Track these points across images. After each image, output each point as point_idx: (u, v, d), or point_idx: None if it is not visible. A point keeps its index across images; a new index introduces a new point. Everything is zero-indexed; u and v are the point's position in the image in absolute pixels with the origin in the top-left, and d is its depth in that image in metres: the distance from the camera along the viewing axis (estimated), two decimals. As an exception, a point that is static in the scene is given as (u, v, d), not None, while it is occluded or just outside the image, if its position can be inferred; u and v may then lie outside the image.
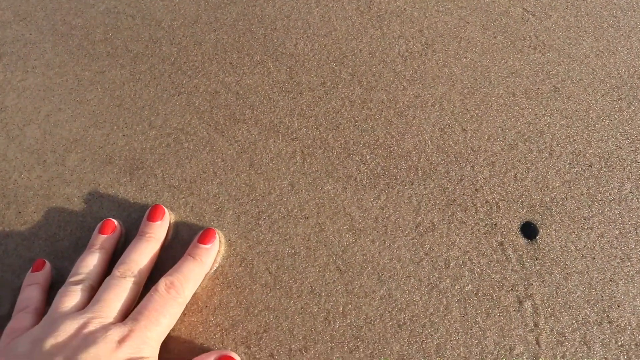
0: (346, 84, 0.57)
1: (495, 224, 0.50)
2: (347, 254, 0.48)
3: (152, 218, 0.47)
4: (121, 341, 0.37)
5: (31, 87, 0.58)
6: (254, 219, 0.49)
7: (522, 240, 0.49)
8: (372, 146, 0.53)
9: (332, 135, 0.54)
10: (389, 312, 0.46)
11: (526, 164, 0.53)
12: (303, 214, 0.50)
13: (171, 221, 0.49)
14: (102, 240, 0.46)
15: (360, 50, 0.60)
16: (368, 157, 0.53)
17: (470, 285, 0.47)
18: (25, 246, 0.49)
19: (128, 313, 0.41)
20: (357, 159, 0.53)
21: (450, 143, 0.54)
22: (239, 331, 0.45)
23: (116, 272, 0.43)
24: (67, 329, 0.38)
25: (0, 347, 0.40)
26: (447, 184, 0.51)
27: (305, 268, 0.47)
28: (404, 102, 0.56)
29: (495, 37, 0.61)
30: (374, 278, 0.47)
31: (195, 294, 0.46)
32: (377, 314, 0.45)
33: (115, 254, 0.47)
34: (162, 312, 0.40)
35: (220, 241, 0.47)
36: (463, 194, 0.51)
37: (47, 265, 0.46)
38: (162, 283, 0.42)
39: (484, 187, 0.51)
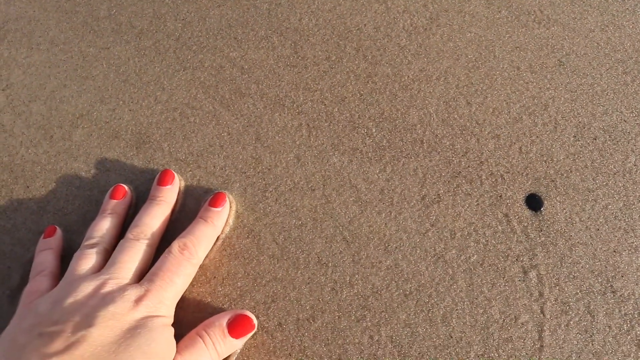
0: (351, 58, 0.57)
1: (500, 196, 0.50)
2: (354, 225, 0.48)
3: (162, 182, 0.47)
4: (138, 301, 0.38)
5: (36, 63, 0.58)
6: (261, 191, 0.50)
7: (527, 212, 0.49)
8: (377, 119, 0.54)
9: (338, 109, 0.54)
10: (396, 282, 0.46)
11: (531, 137, 0.53)
12: (309, 186, 0.50)
13: (181, 187, 0.49)
14: (113, 205, 0.47)
15: (365, 25, 0.60)
16: (373, 130, 0.53)
17: (475, 256, 0.47)
18: (34, 220, 0.50)
19: (143, 274, 0.42)
20: (363, 132, 0.53)
21: (455, 116, 0.54)
22: (247, 301, 0.45)
23: (129, 235, 0.43)
24: (85, 289, 0.38)
25: (21, 308, 0.41)
26: (453, 157, 0.52)
27: (312, 239, 0.48)
28: (408, 76, 0.56)
29: (499, 12, 0.61)
30: (380, 249, 0.47)
31: (203, 265, 0.46)
32: (383, 284, 0.46)
33: (126, 220, 0.48)
34: (177, 273, 0.41)
35: (230, 205, 0.47)
36: (468, 167, 0.51)
37: (59, 231, 0.47)
38: (176, 245, 0.43)
39: (489, 160, 0.52)
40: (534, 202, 0.50)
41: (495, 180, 0.51)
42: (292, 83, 0.56)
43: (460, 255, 0.47)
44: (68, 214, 0.50)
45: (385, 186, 0.50)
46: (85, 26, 0.61)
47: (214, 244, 0.47)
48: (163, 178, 0.48)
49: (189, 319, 0.44)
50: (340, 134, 0.53)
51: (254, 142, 0.52)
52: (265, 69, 0.56)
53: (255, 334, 0.44)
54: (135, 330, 0.37)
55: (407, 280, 0.46)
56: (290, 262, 0.47)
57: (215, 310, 0.45)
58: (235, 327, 0.41)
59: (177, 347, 0.39)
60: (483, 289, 0.46)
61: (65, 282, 0.41)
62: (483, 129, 0.53)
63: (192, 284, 0.45)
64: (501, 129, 0.53)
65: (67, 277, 0.41)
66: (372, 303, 0.45)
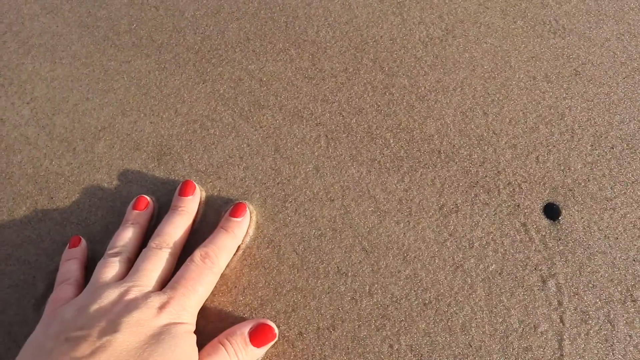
0: (368, 70, 0.58)
1: (518, 205, 0.50)
2: (373, 235, 0.49)
3: (183, 193, 0.48)
4: (161, 308, 0.39)
5: (59, 77, 0.60)
6: (281, 202, 0.50)
7: (544, 221, 0.49)
8: (395, 130, 0.54)
9: (356, 120, 0.55)
10: (415, 291, 0.46)
11: (548, 146, 0.53)
12: (328, 196, 0.51)
13: (202, 197, 0.50)
14: (135, 215, 0.48)
15: (381, 37, 0.60)
16: (391, 141, 0.54)
17: (494, 265, 0.47)
18: (58, 230, 0.51)
19: (165, 283, 0.43)
20: (381, 142, 0.53)
21: (472, 126, 0.54)
22: (267, 310, 0.46)
23: (152, 244, 0.44)
24: (110, 296, 0.39)
25: (46, 315, 0.42)
26: (470, 167, 0.52)
27: (332, 249, 0.48)
28: (425, 87, 0.57)
29: (515, 22, 0.61)
30: (399, 258, 0.48)
31: (224, 274, 0.47)
32: (402, 293, 0.46)
33: (149, 231, 0.49)
34: (199, 281, 0.42)
35: (251, 215, 0.48)
36: (486, 176, 0.52)
37: (83, 241, 0.48)
38: (198, 254, 0.43)
39: (506, 169, 0.52)
40: (551, 211, 0.50)
41: (513, 189, 0.51)
42: (311, 95, 0.56)
43: (479, 265, 0.47)
44: (91, 225, 0.51)
45: (404, 196, 0.51)
46: (106, 40, 0.62)
47: (235, 253, 0.47)
48: (184, 189, 0.49)
49: (210, 328, 0.45)
50: (359, 145, 0.53)
51: (273, 153, 0.53)
52: (284, 81, 0.57)
53: (276, 343, 0.44)
54: (159, 336, 0.37)
55: (426, 289, 0.46)
56: (310, 272, 0.47)
57: (236, 320, 0.45)
58: (257, 336, 0.42)
59: (199, 354, 0.39)
60: (502, 298, 0.46)
61: (89, 289, 0.42)
62: (500, 139, 0.53)
63: (213, 293, 0.46)
64: (518, 138, 0.53)
65: (92, 285, 0.42)
66: (392, 312, 0.46)
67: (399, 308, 0.46)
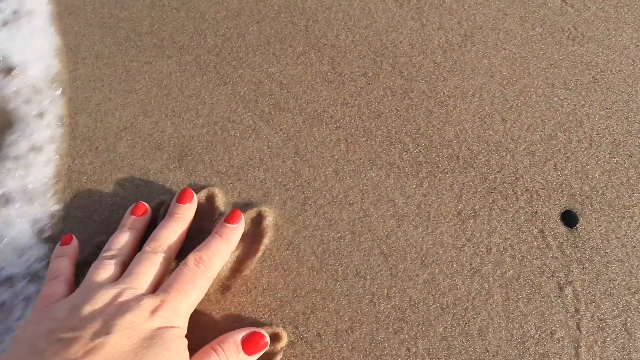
0: (387, 75, 0.58)
1: (535, 212, 0.51)
2: (391, 239, 0.49)
3: (181, 200, 0.49)
4: (154, 311, 0.39)
5: (82, 77, 0.61)
6: (300, 204, 0.51)
7: (562, 228, 0.50)
8: (413, 135, 0.55)
9: (375, 124, 0.55)
10: (432, 295, 0.47)
11: (566, 153, 0.53)
12: (348, 200, 0.51)
13: (217, 203, 0.50)
14: (132, 220, 0.49)
15: (401, 42, 0.61)
16: (410, 146, 0.54)
17: (511, 271, 0.48)
18: (80, 228, 0.52)
19: (158, 286, 0.43)
20: (400, 147, 0.54)
21: (491, 132, 0.55)
22: (287, 312, 0.46)
23: (147, 247, 0.45)
24: (103, 297, 0.40)
25: (36, 312, 0.42)
26: (488, 172, 0.52)
27: (351, 252, 0.49)
28: (444, 93, 0.57)
29: (533, 29, 0.61)
30: (417, 262, 0.48)
31: (244, 275, 0.47)
32: (420, 297, 0.47)
33: (145, 237, 0.49)
34: (192, 285, 0.42)
35: (265, 217, 0.49)
36: (504, 182, 0.52)
37: (75, 240, 0.49)
38: (192, 258, 0.44)
39: (524, 176, 0.52)
40: (569, 219, 0.50)
41: (531, 196, 0.51)
42: (330, 98, 0.57)
43: (496, 270, 0.48)
44: (112, 223, 0.52)
45: (422, 201, 0.51)
46: (128, 41, 0.63)
47: (255, 255, 0.48)
48: (182, 196, 0.49)
49: (229, 328, 0.46)
50: (378, 149, 0.54)
51: (293, 155, 0.54)
52: (304, 84, 0.58)
53: (294, 344, 0.45)
54: (152, 340, 0.38)
55: (444, 293, 0.47)
56: (329, 274, 0.48)
57: (255, 321, 0.46)
58: (249, 344, 0.42)
59: (191, 359, 0.40)
60: (519, 303, 0.46)
61: (82, 289, 0.42)
62: (518, 146, 0.54)
63: (233, 294, 0.47)
64: (536, 145, 0.54)
65: (85, 285, 0.42)
66: (410, 316, 0.46)
67: (417, 312, 0.46)
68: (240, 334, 0.43)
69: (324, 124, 0.55)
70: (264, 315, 0.46)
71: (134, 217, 0.49)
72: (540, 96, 0.57)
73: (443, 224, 0.50)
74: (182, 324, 0.41)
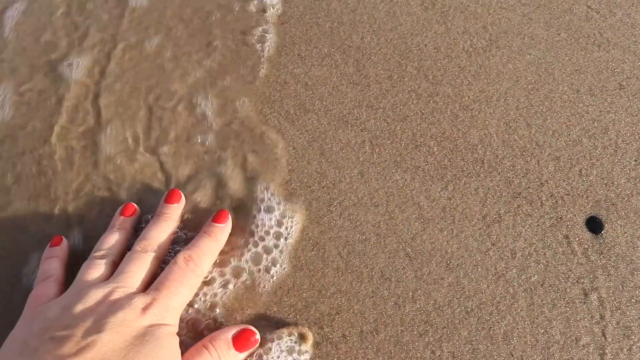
0: (412, 78, 0.59)
1: (560, 218, 0.51)
2: (416, 241, 0.49)
3: (169, 200, 0.50)
4: (145, 308, 0.40)
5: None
6: (326, 205, 0.51)
7: (587, 234, 0.50)
8: (438, 138, 0.55)
9: (400, 127, 0.55)
10: (457, 299, 0.47)
11: (591, 159, 0.53)
12: (373, 202, 0.51)
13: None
14: (122, 221, 0.49)
15: (426, 45, 0.61)
16: (435, 149, 0.54)
17: (536, 276, 0.48)
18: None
19: (149, 285, 0.43)
20: (425, 150, 0.54)
21: (515, 137, 0.55)
22: (312, 312, 0.47)
23: (137, 247, 0.45)
24: (95, 296, 0.40)
25: (27, 312, 0.42)
26: (513, 177, 0.52)
27: (376, 254, 0.49)
28: (469, 97, 0.57)
29: (558, 34, 0.61)
30: (442, 265, 0.48)
31: (270, 275, 0.48)
32: (445, 300, 0.47)
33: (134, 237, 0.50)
34: (182, 283, 0.43)
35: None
36: (528, 187, 0.52)
37: (65, 240, 0.49)
38: (181, 256, 0.44)
39: (549, 181, 0.52)
40: (594, 225, 0.50)
41: (556, 201, 0.51)
42: (355, 100, 0.57)
43: (521, 275, 0.48)
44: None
45: (447, 204, 0.51)
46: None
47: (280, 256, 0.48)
48: (170, 196, 0.50)
49: (256, 326, 0.46)
50: (403, 152, 0.54)
51: (318, 157, 0.54)
52: (329, 86, 0.58)
53: (320, 344, 0.45)
54: (144, 337, 0.38)
55: (469, 297, 0.47)
56: (355, 276, 0.48)
57: (280, 321, 0.46)
58: (240, 341, 0.43)
59: (183, 357, 0.40)
60: (544, 309, 0.47)
61: (74, 289, 0.42)
62: (543, 151, 0.54)
63: (259, 293, 0.47)
64: (561, 151, 0.54)
65: (76, 285, 0.43)
66: (434, 319, 0.46)
67: (442, 315, 0.46)
68: (231, 331, 0.43)
69: (349, 125, 0.56)
70: (289, 315, 0.46)
71: (122, 217, 0.49)
72: (565, 102, 0.57)
73: (468, 228, 0.50)
74: (174, 321, 0.41)
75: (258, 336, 0.44)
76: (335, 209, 0.51)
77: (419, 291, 0.47)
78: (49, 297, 0.43)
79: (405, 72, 0.59)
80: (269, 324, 0.46)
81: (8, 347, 0.39)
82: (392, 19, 0.63)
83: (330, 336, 0.46)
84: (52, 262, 0.47)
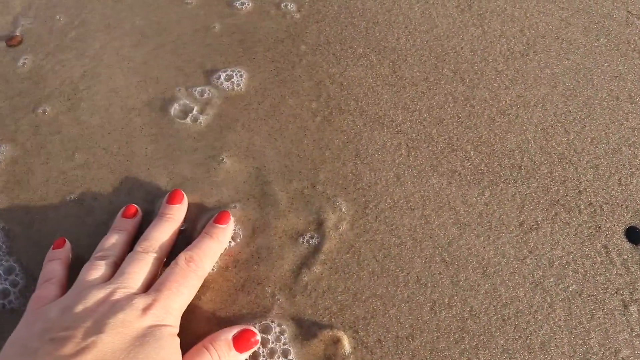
0: (448, 81, 0.58)
1: (599, 227, 0.50)
2: (453, 247, 0.49)
3: (171, 201, 0.49)
4: (145, 309, 0.39)
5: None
6: (361, 208, 0.51)
7: (626, 245, 0.49)
8: (475, 143, 0.54)
9: (436, 130, 0.55)
10: (494, 306, 0.46)
11: (631, 168, 0.52)
12: (409, 205, 0.51)
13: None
14: (123, 222, 0.49)
15: (462, 48, 0.60)
16: (472, 154, 0.53)
17: (574, 286, 0.47)
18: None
19: (150, 286, 0.43)
20: (461, 154, 0.53)
21: (553, 144, 0.54)
22: (347, 316, 0.46)
23: (138, 248, 0.45)
24: (95, 297, 0.40)
25: (29, 313, 0.42)
26: (551, 184, 0.52)
27: (412, 258, 0.48)
28: (506, 101, 0.56)
29: (597, 40, 0.60)
30: (478, 272, 0.48)
31: (304, 277, 0.47)
32: (482, 307, 0.46)
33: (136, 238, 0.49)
34: (183, 284, 0.42)
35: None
36: (566, 195, 0.51)
37: (67, 243, 0.48)
38: (182, 257, 0.44)
39: (587, 190, 0.51)
40: (634, 235, 0.49)
41: (594, 210, 0.50)
42: (391, 102, 0.57)
43: (559, 284, 0.47)
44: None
45: (484, 210, 0.51)
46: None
47: (316, 257, 0.48)
48: (173, 197, 0.50)
49: (288, 327, 0.45)
50: (439, 156, 0.53)
51: (353, 158, 0.53)
52: (364, 87, 0.58)
53: (355, 348, 0.45)
54: (144, 338, 0.38)
55: (506, 305, 0.46)
56: (390, 280, 0.47)
57: (315, 323, 0.46)
58: (240, 341, 0.42)
59: (184, 358, 0.40)
60: (582, 319, 0.46)
61: (75, 290, 0.42)
62: (581, 158, 0.53)
63: (293, 295, 0.47)
64: (600, 159, 0.53)
65: (77, 286, 0.42)
66: (471, 326, 0.46)
67: (478, 322, 0.46)
68: (231, 332, 0.43)
69: (384, 127, 0.55)
70: (324, 318, 0.46)
71: (124, 219, 0.49)
72: (604, 109, 0.56)
73: (505, 235, 0.49)
74: (174, 322, 0.41)
75: (259, 337, 0.43)
76: (371, 212, 0.50)
77: (455, 297, 0.47)
78: (50, 298, 0.42)
79: (441, 75, 0.58)
80: (303, 328, 0.45)
81: (8, 349, 0.39)
82: (427, 20, 0.62)
83: (365, 340, 0.45)
84: (55, 265, 0.46)
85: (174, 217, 0.48)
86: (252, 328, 0.43)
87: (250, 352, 0.43)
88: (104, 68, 0.60)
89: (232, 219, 0.49)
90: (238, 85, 0.58)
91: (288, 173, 0.53)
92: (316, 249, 0.49)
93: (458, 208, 0.51)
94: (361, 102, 0.57)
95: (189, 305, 0.44)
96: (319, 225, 0.50)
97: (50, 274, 0.45)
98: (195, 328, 0.45)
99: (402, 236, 0.49)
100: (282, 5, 0.65)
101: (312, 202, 0.51)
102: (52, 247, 0.48)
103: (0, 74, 0.59)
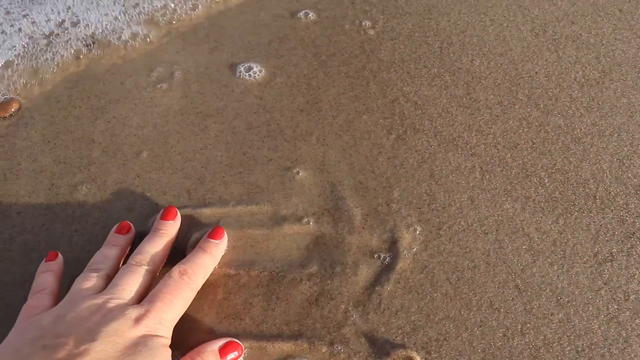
0: (523, 105, 0.58)
1: (675, 263, 0.49)
2: (526, 273, 0.49)
3: (165, 217, 0.50)
4: (138, 319, 0.40)
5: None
6: (435, 228, 0.51)
7: (703, 282, 0.48)
8: (549, 170, 0.54)
9: (510, 155, 0.55)
10: (567, 336, 0.46)
11: None
12: (482, 229, 0.51)
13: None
14: (117, 238, 0.50)
15: (536, 73, 0.60)
16: (546, 180, 0.53)
17: (650, 321, 0.47)
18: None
19: (143, 298, 0.43)
20: (535, 180, 0.53)
21: (629, 175, 0.54)
22: (419, 336, 0.46)
23: (132, 260, 0.46)
24: (88, 306, 0.40)
25: (20, 322, 0.42)
26: (626, 216, 0.51)
27: (485, 282, 0.49)
28: (581, 129, 0.56)
29: (675, 71, 0.60)
30: (552, 301, 0.48)
31: (378, 294, 0.48)
32: (555, 337, 0.46)
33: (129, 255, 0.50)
34: (176, 296, 0.43)
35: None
36: (642, 228, 0.51)
37: (60, 256, 0.49)
38: (176, 270, 0.45)
39: (664, 224, 0.51)
40: None
41: (671, 245, 0.50)
42: (465, 124, 0.57)
43: (635, 319, 0.47)
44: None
45: (558, 238, 0.50)
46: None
47: (388, 277, 0.48)
48: (167, 214, 0.51)
49: (363, 346, 0.46)
50: (513, 181, 0.53)
51: (428, 178, 0.54)
52: (439, 107, 0.58)
53: (427, 370, 0.45)
54: (136, 347, 0.38)
55: (579, 336, 0.46)
56: (463, 303, 0.48)
57: (387, 342, 0.46)
58: (226, 352, 0.43)
59: None
60: (657, 356, 0.45)
61: (67, 299, 0.42)
62: (658, 192, 0.53)
63: (366, 312, 0.47)
64: (677, 193, 0.52)
65: (70, 296, 0.43)
66: (544, 355, 0.46)
67: (551, 352, 0.46)
68: (217, 344, 0.44)
69: (459, 149, 0.55)
70: (396, 337, 0.46)
71: (117, 235, 0.50)
72: (682, 142, 0.55)
73: (579, 264, 0.49)
74: (166, 333, 0.42)
75: (243, 349, 0.45)
76: (445, 233, 0.51)
77: (528, 325, 0.47)
78: (42, 308, 0.43)
79: (515, 99, 0.58)
80: (375, 346, 0.46)
81: (0, 356, 0.39)
82: (501, 43, 0.62)
83: (437, 362, 0.45)
84: (47, 276, 0.47)
85: (167, 232, 0.50)
86: (236, 340, 0.45)
87: None
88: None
89: (225, 235, 0.50)
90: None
91: (362, 189, 0.53)
92: (389, 268, 0.49)
93: (532, 235, 0.51)
94: (435, 123, 0.57)
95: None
96: (393, 243, 0.50)
97: (42, 285, 0.46)
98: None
99: (475, 260, 0.49)
100: (356, 21, 0.66)
101: (386, 220, 0.52)
102: (45, 259, 0.49)
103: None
